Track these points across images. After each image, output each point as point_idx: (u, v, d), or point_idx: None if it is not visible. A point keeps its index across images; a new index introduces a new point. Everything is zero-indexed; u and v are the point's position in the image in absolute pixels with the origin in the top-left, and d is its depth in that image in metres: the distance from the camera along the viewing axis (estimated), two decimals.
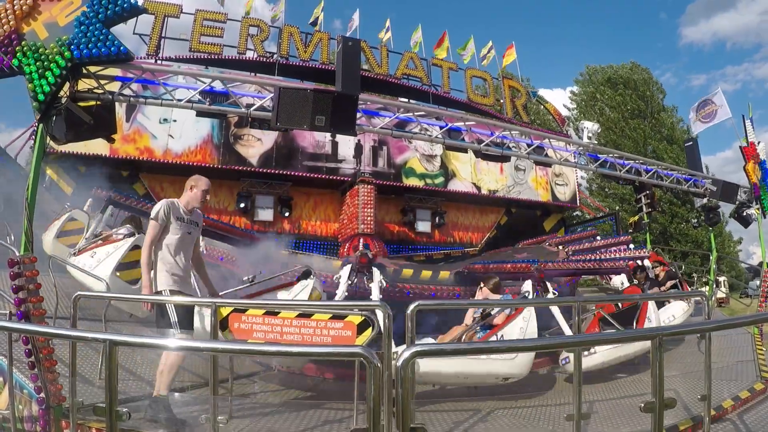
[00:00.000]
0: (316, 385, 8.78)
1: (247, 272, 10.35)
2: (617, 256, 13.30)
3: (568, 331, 9.14)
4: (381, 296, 9.23)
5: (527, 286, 9.92)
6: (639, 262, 13.69)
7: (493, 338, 8.24)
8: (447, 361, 7.69)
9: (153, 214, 6.58)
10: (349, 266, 9.53)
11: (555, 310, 9.34)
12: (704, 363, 5.53)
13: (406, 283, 11.07)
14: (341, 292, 9.16)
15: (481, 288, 9.19)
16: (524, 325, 8.24)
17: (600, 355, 8.79)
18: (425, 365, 7.78)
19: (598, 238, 17.09)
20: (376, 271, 9.52)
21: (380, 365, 3.05)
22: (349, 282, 9.36)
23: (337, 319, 6.57)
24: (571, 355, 8.76)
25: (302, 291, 8.38)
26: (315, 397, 8.24)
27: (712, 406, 6.01)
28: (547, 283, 10.17)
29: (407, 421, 2.98)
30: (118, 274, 9.76)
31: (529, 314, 8.35)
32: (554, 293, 10.15)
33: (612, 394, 8.35)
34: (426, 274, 11.66)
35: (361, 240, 17.17)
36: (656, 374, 3.70)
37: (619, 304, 10.13)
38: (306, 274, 8.66)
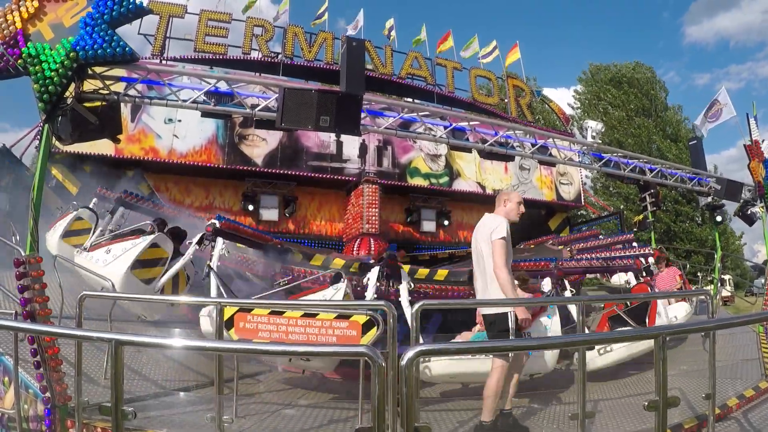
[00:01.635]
0: (320, 384, 8.79)
1: (267, 275, 10.38)
2: (625, 254, 13.27)
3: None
4: (410, 298, 9.17)
5: (547, 284, 9.91)
6: (643, 261, 13.67)
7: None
8: (467, 362, 7.70)
9: (503, 233, 6.42)
10: (377, 268, 9.45)
11: (573, 309, 9.34)
12: (709, 361, 5.53)
13: (421, 283, 11.03)
14: (371, 294, 9.07)
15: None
16: (549, 323, 8.28)
17: (616, 353, 8.78)
18: (440, 367, 7.81)
19: (601, 237, 17.05)
20: (404, 273, 9.50)
21: (385, 364, 3.06)
22: (378, 284, 9.30)
23: (342, 318, 6.59)
24: (587, 354, 8.81)
25: (336, 294, 8.29)
26: (319, 397, 8.25)
27: (717, 405, 6.02)
28: (565, 281, 10.16)
29: (412, 421, 3.00)
30: (133, 271, 9.56)
31: (554, 312, 8.38)
32: (572, 291, 10.15)
33: (616, 392, 8.35)
34: (442, 273, 11.61)
35: (368, 241, 17.20)
36: (660, 373, 3.70)
37: (627, 302, 10.12)
38: (337, 278, 8.60)
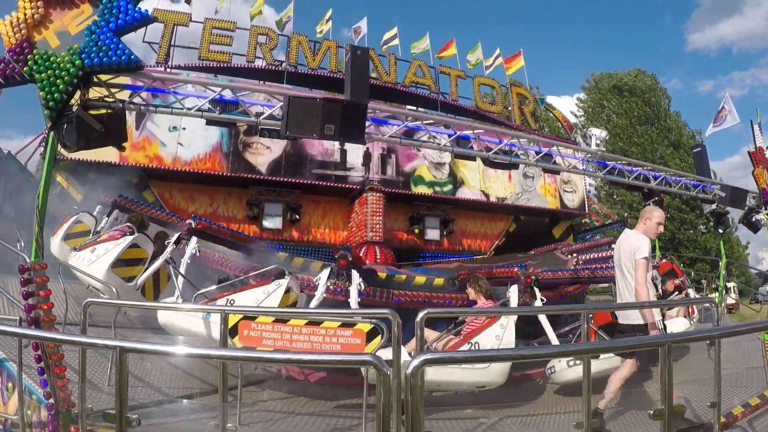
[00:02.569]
0: (325, 392, 8.78)
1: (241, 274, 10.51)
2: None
3: (555, 341, 9.09)
4: (359, 300, 9.24)
5: (512, 291, 9.81)
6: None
7: (466, 345, 8.13)
8: (454, 370, 7.65)
9: (646, 252, 6.65)
10: (328, 269, 9.52)
11: (543, 318, 9.28)
12: (714, 370, 5.52)
13: (400, 289, 11.02)
14: (319, 294, 9.16)
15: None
16: (500, 333, 8.07)
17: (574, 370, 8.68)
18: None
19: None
20: (355, 274, 9.49)
21: (390, 373, 3.06)
22: (328, 284, 9.35)
23: (346, 327, 6.58)
24: (556, 365, 8.74)
25: (276, 291, 8.39)
26: (323, 405, 8.24)
27: (722, 413, 5.99)
28: (535, 289, 10.08)
29: (417, 429, 2.99)
30: (114, 270, 9.90)
31: (507, 322, 8.21)
32: (542, 300, 10.06)
33: (621, 401, 8.32)
34: (419, 280, 11.62)
35: (374, 249, 17.21)
36: (665, 381, 3.70)
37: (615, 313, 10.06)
38: (280, 274, 8.67)
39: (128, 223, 10.90)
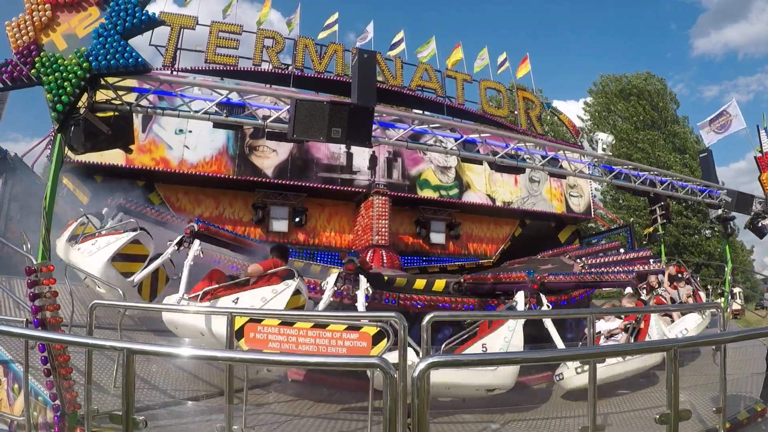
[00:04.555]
0: (330, 395, 8.78)
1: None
2: (626, 269, 13.15)
3: (560, 345, 9.12)
4: (366, 305, 9.27)
5: (519, 297, 9.88)
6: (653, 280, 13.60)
7: (476, 347, 8.25)
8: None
9: None
10: (335, 273, 9.56)
11: (548, 323, 9.31)
12: (719, 375, 5.51)
13: (398, 293, 11.06)
14: (326, 298, 9.19)
15: None
16: (509, 336, 8.20)
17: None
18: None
19: (622, 250, 16.91)
20: (362, 279, 9.53)
21: (396, 376, 3.06)
22: (335, 288, 9.39)
23: (352, 329, 6.58)
24: (564, 371, 8.75)
25: (286, 289, 8.40)
26: (329, 408, 8.23)
27: (727, 419, 5.98)
28: (541, 295, 10.12)
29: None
30: (113, 263, 10.11)
31: (514, 325, 8.33)
32: (548, 306, 10.10)
33: (626, 406, 8.30)
34: (419, 283, 11.62)
35: (380, 253, 17.21)
36: (671, 386, 3.69)
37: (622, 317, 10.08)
38: (290, 275, 8.68)
39: (131, 221, 11.14)
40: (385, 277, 11.47)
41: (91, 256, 10.21)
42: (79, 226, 11.59)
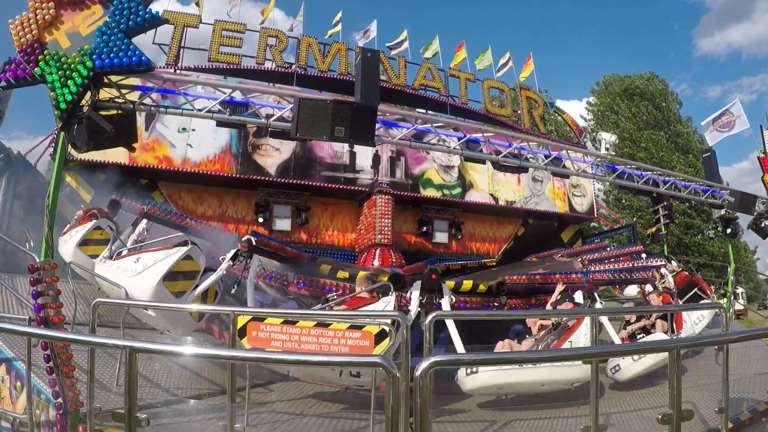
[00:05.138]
0: (332, 394, 8.77)
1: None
2: (641, 265, 13.22)
3: (617, 340, 9.39)
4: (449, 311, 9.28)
5: (579, 296, 10.07)
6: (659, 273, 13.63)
7: (567, 344, 8.42)
8: (515, 372, 7.78)
9: None
10: (419, 282, 9.45)
11: (605, 320, 9.49)
12: (722, 375, 5.50)
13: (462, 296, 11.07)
14: (414, 308, 9.03)
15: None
16: (587, 332, 8.34)
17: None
18: (489, 378, 7.81)
19: (608, 249, 17.01)
20: (445, 287, 9.53)
21: (399, 375, 3.05)
22: (421, 299, 9.28)
23: (354, 329, 6.59)
24: (621, 363, 8.85)
25: (386, 307, 8.17)
26: (331, 407, 8.23)
27: (730, 419, 5.97)
28: (594, 293, 10.25)
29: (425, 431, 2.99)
30: (165, 282, 9.15)
31: (588, 322, 8.44)
32: (602, 303, 10.27)
33: (628, 406, 8.30)
34: (467, 284, 11.63)
35: (387, 252, 17.23)
36: (674, 386, 3.69)
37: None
38: (386, 291, 8.51)
39: (179, 234, 10.75)
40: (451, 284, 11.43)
41: (137, 276, 9.27)
42: (93, 231, 11.21)
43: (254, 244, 9.76)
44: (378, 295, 8.59)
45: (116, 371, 7.36)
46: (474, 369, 7.99)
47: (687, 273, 14.19)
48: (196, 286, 9.61)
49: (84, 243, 10.77)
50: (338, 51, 20.45)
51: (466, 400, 8.59)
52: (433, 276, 9.46)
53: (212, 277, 9.73)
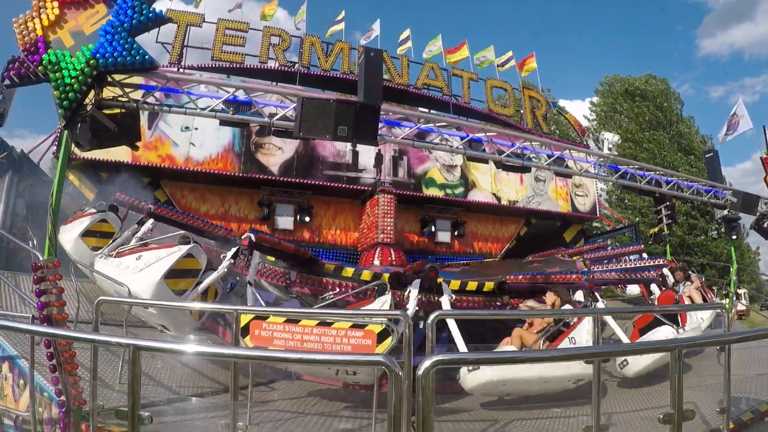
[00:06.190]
0: (334, 393, 8.78)
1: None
2: (644, 265, 13.24)
3: (625, 339, 9.36)
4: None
5: (580, 296, 10.09)
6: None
7: (566, 342, 8.35)
8: (518, 367, 7.71)
9: None
10: (418, 281, 9.43)
11: (610, 319, 9.57)
12: (723, 375, 5.50)
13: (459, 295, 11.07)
14: (412, 306, 9.03)
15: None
16: (590, 329, 8.27)
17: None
18: (491, 374, 7.79)
19: (609, 248, 17.04)
20: (445, 285, 9.52)
21: (401, 374, 3.06)
22: (419, 297, 9.26)
23: (357, 328, 6.59)
24: (630, 358, 8.84)
25: (383, 306, 8.25)
26: (333, 406, 8.24)
27: (731, 419, 5.97)
28: (596, 293, 10.23)
29: (427, 431, 2.99)
30: (166, 280, 9.15)
31: (590, 321, 8.42)
32: (604, 303, 10.25)
33: (629, 406, 8.30)
34: (472, 285, 11.62)
35: (389, 251, 17.23)
36: (675, 386, 3.69)
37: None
38: (382, 290, 8.55)
39: (181, 232, 10.76)
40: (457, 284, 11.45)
41: (139, 273, 9.29)
42: (97, 223, 11.36)
43: (254, 240, 9.78)
44: (374, 295, 8.65)
45: (119, 369, 7.38)
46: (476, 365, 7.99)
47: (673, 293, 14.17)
48: (198, 284, 9.60)
49: (87, 234, 10.82)
50: (341, 50, 20.46)
51: (468, 399, 8.60)
52: (432, 273, 9.46)
53: (213, 276, 9.75)
